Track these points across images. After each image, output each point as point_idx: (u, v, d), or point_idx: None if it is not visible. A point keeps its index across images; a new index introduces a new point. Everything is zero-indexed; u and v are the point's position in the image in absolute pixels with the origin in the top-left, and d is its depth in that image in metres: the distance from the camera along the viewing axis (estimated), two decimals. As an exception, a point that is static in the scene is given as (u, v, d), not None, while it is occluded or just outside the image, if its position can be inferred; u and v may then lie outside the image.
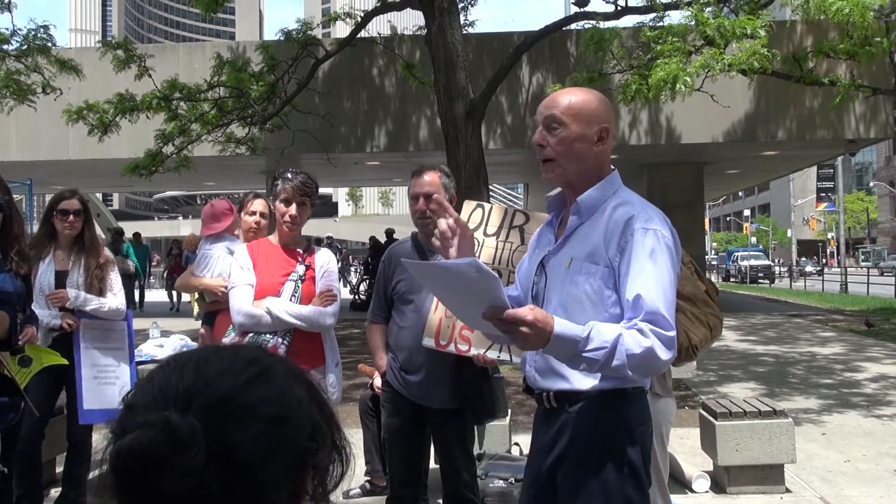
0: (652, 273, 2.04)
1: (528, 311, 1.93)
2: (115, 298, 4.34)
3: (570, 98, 2.23)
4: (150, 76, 12.18)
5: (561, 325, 1.94)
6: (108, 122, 12.01)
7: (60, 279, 4.19)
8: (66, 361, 3.82)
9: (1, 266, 3.21)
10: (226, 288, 3.88)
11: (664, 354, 1.98)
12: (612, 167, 2.30)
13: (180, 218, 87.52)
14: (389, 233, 20.40)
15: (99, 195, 31.40)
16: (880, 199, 68.36)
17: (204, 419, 0.82)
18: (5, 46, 11.24)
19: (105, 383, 4.17)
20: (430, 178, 3.48)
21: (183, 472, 0.79)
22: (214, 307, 4.33)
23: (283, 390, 0.89)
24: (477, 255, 3.27)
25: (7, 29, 11.30)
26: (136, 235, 19.76)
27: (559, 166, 2.21)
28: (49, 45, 11.59)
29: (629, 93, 8.75)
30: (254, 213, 4.32)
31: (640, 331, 1.97)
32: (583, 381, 2.15)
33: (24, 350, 3.27)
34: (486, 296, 1.96)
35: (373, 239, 21.20)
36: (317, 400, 0.92)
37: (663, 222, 2.14)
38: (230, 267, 3.77)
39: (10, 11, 11.40)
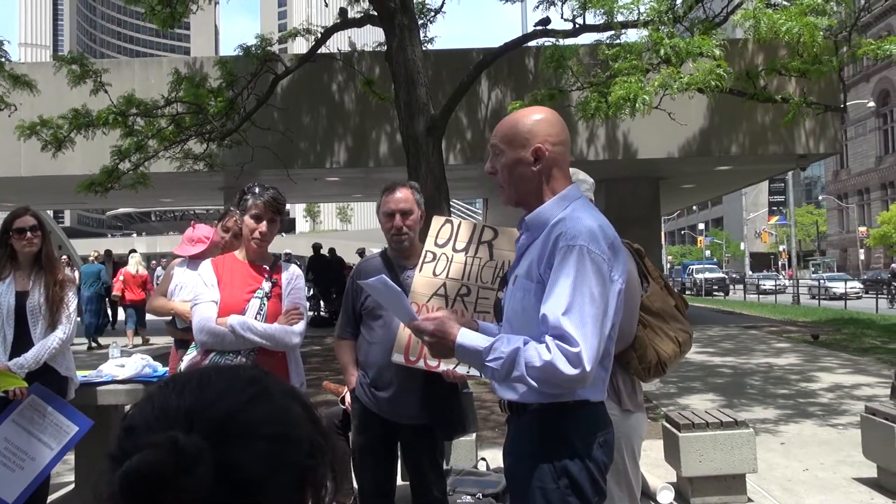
0: (565, 290, 2.04)
1: (429, 323, 2.16)
2: (62, 328, 4.17)
3: (505, 124, 2.28)
4: (105, 91, 11.98)
5: (464, 337, 2.12)
6: (62, 138, 11.78)
7: (21, 300, 4.09)
8: (25, 384, 3.72)
9: None
10: None
11: (567, 369, 1.98)
12: (573, 181, 2.30)
13: (134, 235, 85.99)
14: (317, 248, 20.17)
15: (50, 212, 30.75)
16: (829, 213, 69.92)
17: (207, 439, 0.82)
18: (-46, 61, 10.99)
19: (5, 464, 3.78)
20: (404, 195, 3.48)
21: (190, 493, 0.79)
22: (187, 335, 4.20)
23: (283, 409, 0.89)
24: (446, 270, 3.29)
25: (-43, 44, 11.07)
26: (108, 253, 19.49)
27: (504, 191, 2.29)
28: (2, 59, 11.37)
29: (589, 110, 8.86)
30: (227, 230, 4.27)
31: (546, 345, 2.01)
32: (526, 395, 2.17)
33: None
34: (400, 309, 2.27)
35: (316, 249, 20.75)
36: (312, 418, 0.93)
37: (594, 237, 2.09)
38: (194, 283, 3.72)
39: (-40, 25, 11.17)
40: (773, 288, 37.77)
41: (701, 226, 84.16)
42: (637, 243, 3.32)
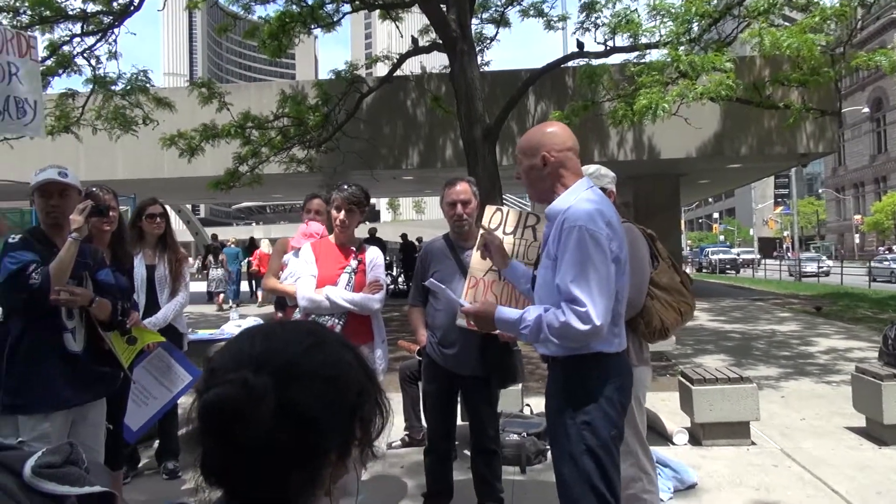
0: (570, 263, 2.10)
1: (471, 307, 2.39)
2: (181, 295, 4.31)
3: (523, 139, 2.40)
4: (228, 109, 12.26)
5: (501, 312, 2.27)
6: (194, 147, 12.10)
7: (150, 272, 4.21)
8: (163, 338, 3.81)
9: (103, 262, 3.25)
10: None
11: (579, 325, 2.07)
12: (585, 176, 2.34)
13: (253, 224, 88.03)
14: (372, 232, 20.37)
15: (189, 206, 31.69)
16: (828, 203, 67.40)
17: (272, 378, 0.82)
18: (113, 87, 11.38)
19: (135, 401, 3.82)
20: (463, 187, 3.49)
21: (256, 422, 0.80)
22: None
23: (336, 356, 0.89)
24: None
25: (115, 73, 11.46)
26: (251, 240, 20.43)
27: (529, 191, 2.41)
28: (148, 85, 11.73)
29: (617, 117, 8.66)
30: (309, 212, 4.32)
31: (562, 309, 2.10)
32: (554, 349, 2.25)
33: (130, 331, 3.31)
34: (449, 299, 2.50)
35: (403, 237, 21.36)
36: (362, 365, 0.93)
37: (592, 218, 2.12)
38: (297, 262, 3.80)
39: (116, 59, 11.57)
40: (816, 271, 30.46)
41: (716, 215, 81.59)
42: (658, 230, 3.31)
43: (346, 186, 3.56)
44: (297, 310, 3.67)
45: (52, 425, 2.84)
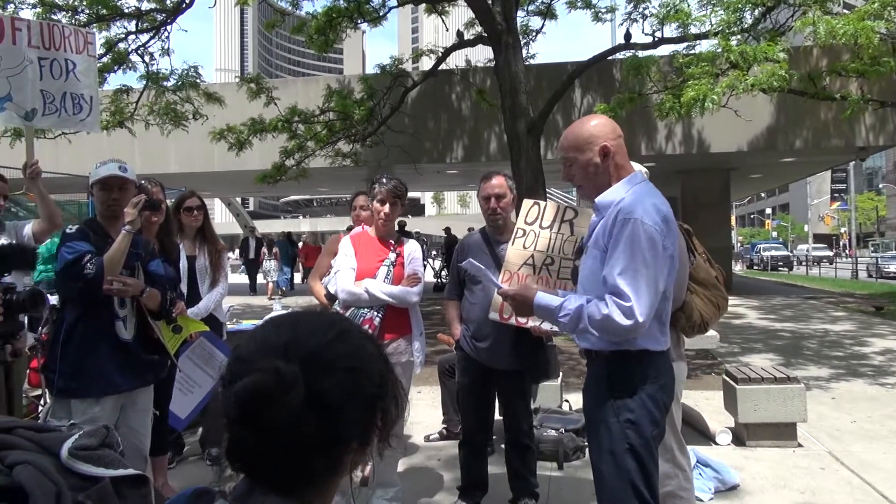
0: (620, 256, 2.05)
1: (511, 289, 2.32)
2: (221, 285, 4.38)
3: (569, 136, 2.28)
4: (275, 104, 12.45)
5: (540, 298, 2.19)
6: (243, 141, 12.34)
7: (190, 263, 4.29)
8: (206, 328, 3.89)
9: (154, 254, 3.36)
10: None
11: (622, 320, 2.02)
12: (634, 170, 2.27)
13: (300, 217, 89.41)
14: (402, 225, 20.41)
15: (238, 199, 32.39)
16: (889, 199, 64.60)
17: (301, 367, 0.84)
18: (165, 83, 11.69)
19: (180, 389, 3.85)
20: (498, 182, 3.49)
21: (286, 410, 0.82)
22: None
23: (359, 347, 0.90)
24: (534, 244, 3.25)
25: (167, 70, 11.77)
26: (288, 234, 20.79)
27: (584, 189, 2.31)
28: (198, 81, 12.01)
29: (664, 110, 8.46)
30: (355, 209, 4.31)
31: (605, 302, 2.05)
32: (596, 343, 2.20)
33: (176, 320, 3.40)
34: (488, 280, 2.39)
35: (447, 231, 21.43)
36: (382, 356, 0.94)
37: (647, 212, 2.08)
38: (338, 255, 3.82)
39: (168, 56, 11.88)
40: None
41: (768, 210, 79.22)
42: (707, 226, 3.28)
43: (385, 180, 3.58)
44: (337, 302, 3.72)
45: (102, 409, 2.97)
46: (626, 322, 2.02)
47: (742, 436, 4.85)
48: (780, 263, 38.10)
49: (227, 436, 0.86)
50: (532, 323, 3.20)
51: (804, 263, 36.52)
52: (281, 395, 0.82)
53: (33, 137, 3.74)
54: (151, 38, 11.53)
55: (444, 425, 5.10)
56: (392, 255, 3.60)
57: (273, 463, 0.84)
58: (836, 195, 68.88)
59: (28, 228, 3.81)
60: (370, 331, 3.39)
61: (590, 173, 2.23)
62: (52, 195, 3.83)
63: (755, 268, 39.53)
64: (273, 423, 0.82)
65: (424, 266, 3.99)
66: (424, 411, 5.84)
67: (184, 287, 4.20)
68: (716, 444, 4.80)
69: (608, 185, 2.23)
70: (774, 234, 69.80)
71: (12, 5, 10.27)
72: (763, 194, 74.08)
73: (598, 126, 2.25)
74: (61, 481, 1.29)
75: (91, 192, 3.18)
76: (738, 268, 34.96)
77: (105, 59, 10.90)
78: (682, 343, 3.14)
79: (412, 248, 3.70)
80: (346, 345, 0.89)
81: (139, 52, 11.46)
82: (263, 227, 44.92)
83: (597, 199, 2.23)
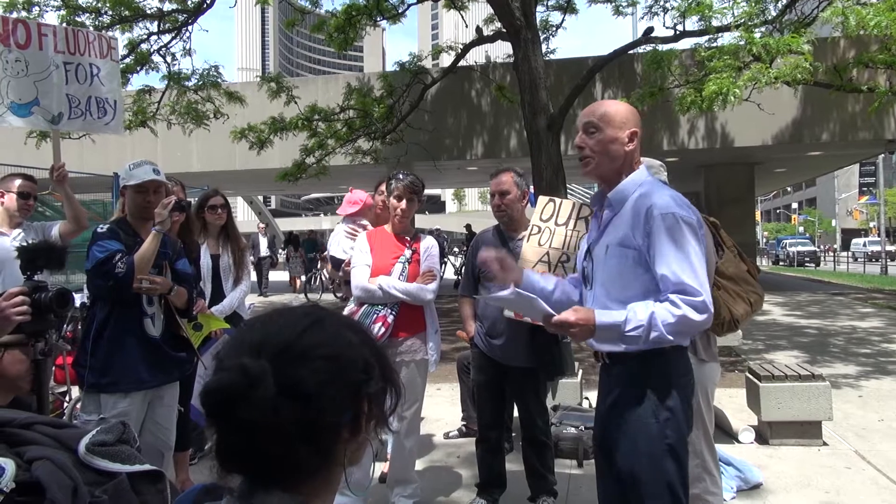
0: (672, 251, 1.98)
1: (571, 314, 1.98)
2: (244, 283, 4.41)
3: (603, 107, 2.19)
4: (295, 103, 12.54)
5: (602, 317, 1.98)
6: (264, 140, 12.45)
7: (214, 261, 4.32)
8: (228, 325, 3.91)
9: (181, 253, 3.41)
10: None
11: (696, 316, 1.95)
12: (641, 162, 2.22)
13: (321, 215, 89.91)
14: (468, 227, 20.51)
15: (260, 197, 32.68)
16: (919, 192, 63.14)
17: (272, 362, 0.85)
18: (186, 83, 11.82)
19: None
20: (505, 178, 3.47)
21: (257, 404, 0.83)
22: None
23: (334, 335, 0.91)
24: (549, 241, 3.24)
25: (188, 69, 11.91)
26: (312, 233, 21.09)
27: (595, 163, 2.18)
28: (219, 80, 12.13)
29: (685, 104, 8.37)
30: (381, 194, 4.13)
31: (672, 302, 1.96)
32: (632, 345, 2.05)
33: (197, 318, 3.45)
34: (535, 309, 2.06)
35: (468, 228, 21.57)
36: (367, 342, 0.94)
37: (681, 204, 2.05)
38: (351, 249, 3.84)
39: (190, 56, 12.03)
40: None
41: (795, 205, 77.96)
42: (732, 221, 3.21)
43: (401, 176, 3.59)
44: (351, 299, 3.73)
45: (131, 404, 3.05)
46: (700, 318, 1.96)
47: (765, 434, 4.79)
48: (807, 259, 37.49)
49: (214, 435, 0.88)
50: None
51: (860, 259, 35.38)
52: (248, 391, 0.83)
53: (59, 140, 3.81)
54: (173, 38, 11.68)
55: (464, 422, 5.10)
56: (408, 252, 3.60)
57: (261, 458, 0.85)
58: (865, 189, 67.43)
59: (55, 230, 3.89)
60: (384, 328, 3.40)
61: (610, 150, 2.14)
62: (76, 195, 3.90)
63: (781, 263, 38.96)
64: (249, 418, 0.83)
65: (445, 263, 4.00)
66: (444, 408, 5.85)
67: (208, 285, 4.26)
68: (738, 442, 4.75)
69: (615, 173, 2.16)
70: (801, 229, 68.67)
71: (37, 8, 10.45)
72: (790, 189, 73.00)
73: (633, 112, 2.21)
74: (78, 477, 1.32)
75: (123, 193, 3.24)
76: (763, 263, 34.43)
77: (128, 61, 11.06)
78: (714, 343, 3.05)
79: (428, 245, 3.69)
80: (321, 334, 0.90)
81: (161, 52, 11.62)
82: (286, 224, 45.24)
83: (610, 195, 2.16)
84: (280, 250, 22.38)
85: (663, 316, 1.95)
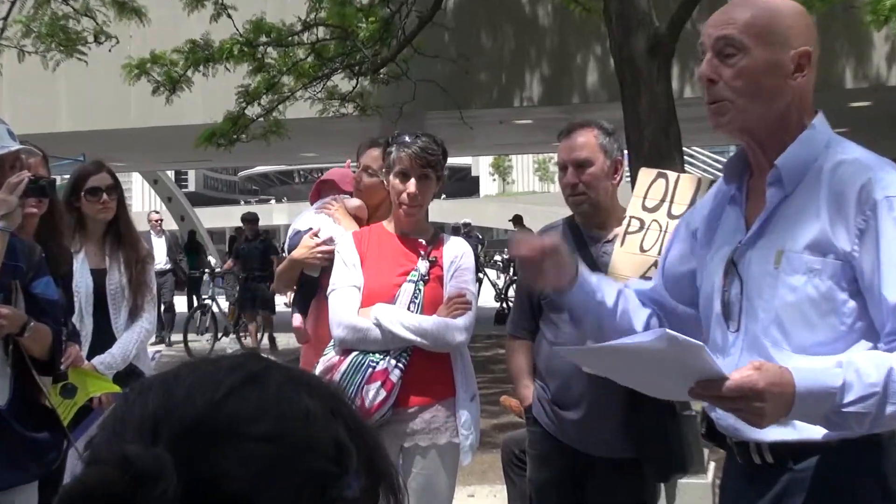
0: None
1: (756, 376, 1.83)
2: (146, 317, 4.44)
3: (752, 11, 2.10)
4: (229, 16, 12.55)
5: (804, 379, 1.86)
6: (177, 78, 12.51)
7: (98, 281, 4.32)
8: (118, 389, 3.92)
9: (43, 267, 3.42)
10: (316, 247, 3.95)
11: None
12: (817, 110, 2.17)
13: (272, 201, 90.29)
14: (517, 220, 20.52)
15: (171, 174, 32.95)
16: None
17: (176, 449, 0.85)
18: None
19: None
20: (584, 140, 3.47)
21: None
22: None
23: (279, 401, 0.90)
24: (657, 243, 3.25)
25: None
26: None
27: (736, 109, 2.10)
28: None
29: (882, 11, 8.33)
30: (366, 169, 4.21)
31: None
32: (815, 429, 2.01)
33: (66, 376, 3.48)
34: (689, 368, 1.89)
35: (517, 222, 21.53)
36: (341, 413, 0.94)
37: None
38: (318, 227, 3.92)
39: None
40: None
41: None
42: None
43: (408, 139, 3.61)
44: (330, 343, 3.75)
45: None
46: None
47: None
48: None
49: None
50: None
51: None
52: (137, 495, 0.83)
53: None
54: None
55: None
56: (423, 265, 3.63)
57: None
58: None
59: None
60: (384, 392, 3.42)
61: (764, 87, 2.08)
62: None
63: None
64: None
65: (480, 281, 4.02)
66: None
67: (87, 321, 4.29)
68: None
69: (779, 125, 2.12)
70: None
71: None
72: None
73: (805, 17, 2.16)
74: None
75: None
76: None
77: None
78: None
79: (457, 252, 3.72)
80: (254, 399, 0.90)
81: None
82: (213, 218, 45.50)
83: (779, 161, 2.08)
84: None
85: None
